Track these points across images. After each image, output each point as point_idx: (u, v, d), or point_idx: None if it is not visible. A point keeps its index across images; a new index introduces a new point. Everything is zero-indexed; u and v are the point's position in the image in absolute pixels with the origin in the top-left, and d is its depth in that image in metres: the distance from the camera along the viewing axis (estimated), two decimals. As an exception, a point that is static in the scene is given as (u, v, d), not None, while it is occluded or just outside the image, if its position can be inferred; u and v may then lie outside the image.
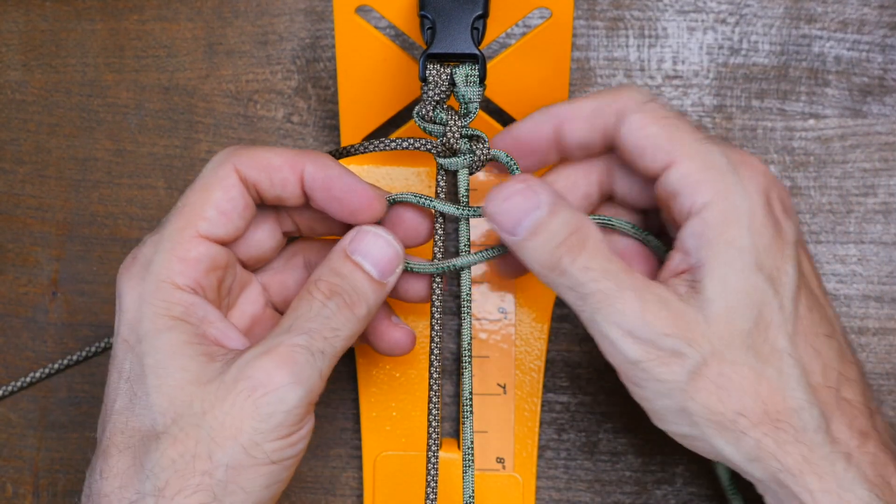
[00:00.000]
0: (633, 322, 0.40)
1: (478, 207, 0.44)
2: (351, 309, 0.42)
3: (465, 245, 0.45)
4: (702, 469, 0.52)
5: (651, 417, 0.42)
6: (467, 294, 0.45)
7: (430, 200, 0.44)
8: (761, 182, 0.41)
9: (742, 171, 0.41)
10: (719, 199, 0.40)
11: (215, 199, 0.42)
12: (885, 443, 0.41)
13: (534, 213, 0.41)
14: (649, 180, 0.44)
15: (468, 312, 0.45)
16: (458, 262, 0.44)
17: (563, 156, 0.45)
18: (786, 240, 0.42)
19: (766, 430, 0.39)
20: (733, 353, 0.40)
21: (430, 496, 0.44)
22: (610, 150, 0.44)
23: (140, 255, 0.42)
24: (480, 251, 0.45)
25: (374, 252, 0.43)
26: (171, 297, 0.41)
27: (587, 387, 0.53)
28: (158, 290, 0.41)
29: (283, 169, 0.43)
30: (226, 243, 0.43)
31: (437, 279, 0.45)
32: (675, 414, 0.40)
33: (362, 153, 0.45)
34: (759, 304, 0.40)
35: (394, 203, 0.45)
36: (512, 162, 0.44)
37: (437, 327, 0.45)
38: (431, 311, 0.45)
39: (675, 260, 0.42)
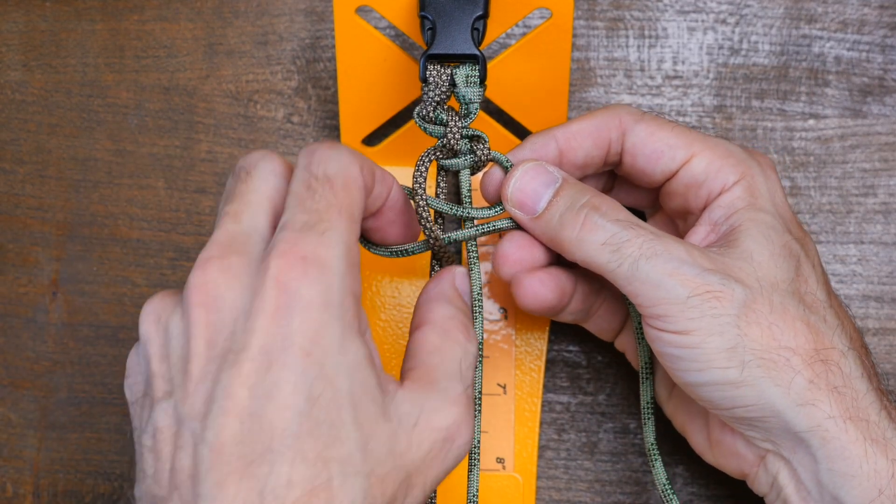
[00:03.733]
0: (680, 258, 0.40)
1: (475, 208, 0.44)
2: (477, 347, 0.42)
3: (472, 244, 0.45)
4: (702, 469, 0.52)
5: (689, 377, 0.41)
6: (478, 294, 0.45)
7: (437, 202, 0.44)
8: (775, 169, 0.45)
9: (758, 159, 0.44)
10: (745, 179, 0.43)
11: (360, 202, 0.39)
12: None
13: (552, 184, 0.43)
14: (659, 184, 0.45)
15: (479, 313, 0.45)
16: (456, 235, 0.44)
17: None
18: (800, 223, 0.45)
19: (817, 371, 0.40)
20: (780, 296, 0.41)
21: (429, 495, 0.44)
22: (608, 166, 0.46)
23: (309, 255, 0.36)
24: (479, 225, 0.44)
25: (466, 290, 0.44)
26: (354, 309, 0.37)
27: (587, 387, 0.53)
28: (345, 300, 0.36)
29: (384, 180, 0.41)
30: None
31: (436, 267, 0.45)
32: (725, 356, 0.40)
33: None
34: (796, 257, 0.42)
35: None
36: (509, 164, 0.44)
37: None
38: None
39: (701, 233, 0.43)
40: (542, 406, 0.52)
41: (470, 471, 0.45)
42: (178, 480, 0.36)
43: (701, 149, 0.44)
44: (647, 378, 0.46)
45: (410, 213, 0.43)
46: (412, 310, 0.51)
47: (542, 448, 0.53)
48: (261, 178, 0.40)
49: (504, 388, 0.51)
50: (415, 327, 0.42)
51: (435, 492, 0.44)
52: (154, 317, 0.38)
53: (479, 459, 0.45)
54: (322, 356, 0.35)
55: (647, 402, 0.46)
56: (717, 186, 0.43)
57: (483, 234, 0.44)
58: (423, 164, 0.43)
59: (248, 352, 0.35)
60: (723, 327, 0.40)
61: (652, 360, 0.46)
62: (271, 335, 0.35)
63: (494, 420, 0.51)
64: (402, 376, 0.40)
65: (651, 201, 0.48)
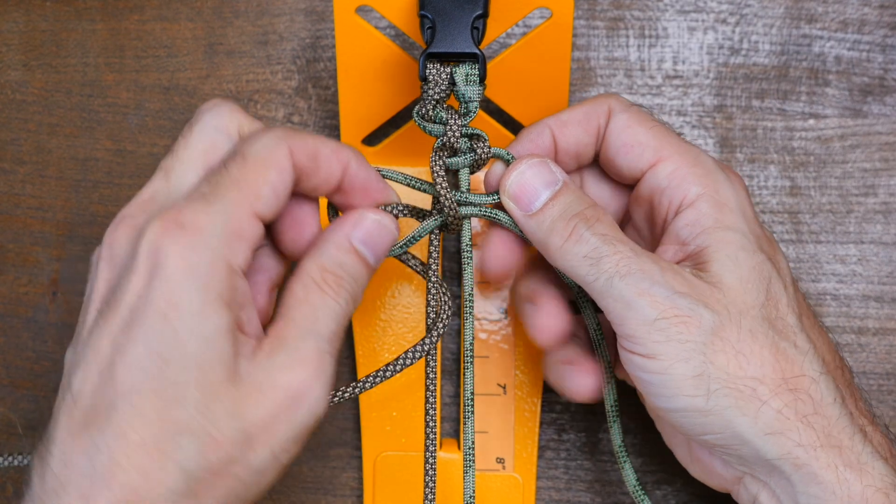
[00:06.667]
0: (653, 279, 0.40)
1: (473, 194, 0.44)
2: (355, 302, 0.41)
3: (466, 245, 0.45)
4: (702, 469, 0.52)
5: (658, 402, 0.41)
6: (470, 294, 0.45)
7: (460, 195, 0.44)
8: (744, 185, 0.44)
9: (727, 172, 0.44)
10: (710, 191, 0.42)
11: (271, 180, 0.39)
12: (884, 429, 0.42)
13: (552, 186, 0.43)
14: (628, 181, 0.45)
15: (470, 312, 0.45)
16: (461, 210, 0.44)
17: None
18: (770, 237, 0.44)
19: (785, 401, 0.39)
20: (750, 322, 0.40)
21: (429, 496, 0.44)
22: (596, 157, 0.46)
23: (190, 223, 0.37)
24: (484, 206, 0.44)
25: (378, 242, 0.42)
26: (223, 277, 0.37)
27: (587, 387, 0.53)
28: (214, 268, 0.37)
29: (332, 160, 0.42)
30: (266, 223, 0.41)
31: (434, 266, 0.45)
32: (692, 383, 0.39)
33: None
34: (766, 280, 0.41)
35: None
36: (511, 158, 0.44)
37: (431, 321, 0.45)
38: (427, 310, 0.45)
39: (669, 252, 0.43)
40: (542, 406, 0.52)
41: (465, 472, 0.45)
42: (49, 426, 0.38)
43: (669, 154, 0.43)
44: (609, 380, 0.46)
45: (376, 189, 0.43)
46: (412, 311, 0.51)
47: (542, 448, 0.52)
48: (200, 134, 0.41)
49: (504, 388, 0.51)
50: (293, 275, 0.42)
51: (434, 492, 0.44)
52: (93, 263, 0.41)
53: (473, 461, 0.45)
54: (178, 320, 0.37)
55: (612, 405, 0.46)
56: (679, 196, 0.43)
57: (483, 216, 0.44)
58: (436, 163, 0.44)
59: (118, 308, 0.37)
60: (689, 353, 0.39)
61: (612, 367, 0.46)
62: (138, 295, 0.37)
63: (494, 420, 0.51)
64: (266, 330, 0.40)
65: (615, 211, 0.47)
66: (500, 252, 0.45)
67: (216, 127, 0.41)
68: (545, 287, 0.46)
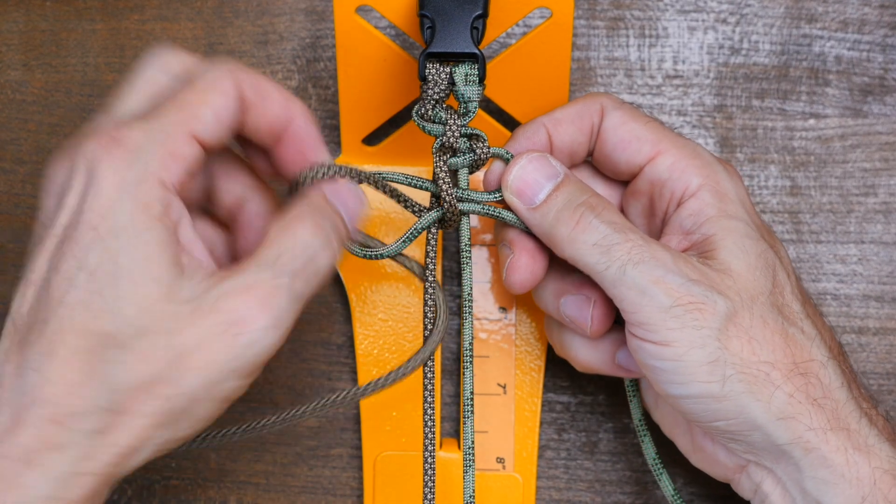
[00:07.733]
0: (666, 267, 0.40)
1: (474, 192, 0.44)
2: (333, 250, 0.40)
3: (465, 244, 0.45)
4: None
5: (671, 390, 0.41)
6: (469, 294, 0.45)
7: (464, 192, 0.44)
8: (741, 177, 0.45)
9: (723, 164, 0.44)
10: (711, 182, 0.43)
11: (213, 103, 0.39)
12: (885, 414, 0.43)
13: (554, 178, 0.43)
14: (625, 177, 0.46)
15: (470, 312, 0.45)
16: (462, 206, 0.44)
17: None
18: (769, 228, 0.45)
19: (797, 385, 0.40)
20: (761, 308, 0.40)
21: (428, 496, 0.44)
22: (589, 154, 0.46)
23: (125, 139, 0.37)
24: (485, 203, 0.44)
25: (350, 206, 0.42)
26: (156, 193, 0.37)
27: (587, 387, 0.53)
28: (144, 182, 0.37)
29: (279, 102, 0.41)
30: (207, 150, 0.40)
31: (431, 267, 0.45)
32: (707, 369, 0.40)
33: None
34: (772, 268, 0.42)
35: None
36: (510, 157, 0.44)
37: (429, 326, 0.45)
38: (424, 310, 0.45)
39: (673, 242, 0.43)
40: (542, 406, 0.52)
41: (465, 472, 0.45)
42: None
43: (668, 147, 0.44)
44: (634, 396, 0.46)
45: (315, 149, 0.42)
46: (411, 310, 0.51)
47: (542, 448, 0.52)
48: (144, 73, 0.41)
49: (504, 388, 0.51)
50: None
51: (433, 492, 0.44)
52: None
53: (473, 461, 0.45)
54: (107, 232, 0.36)
55: (640, 420, 0.47)
56: (681, 188, 0.43)
57: (485, 213, 0.44)
58: (439, 164, 0.44)
59: (53, 228, 0.37)
60: (704, 340, 0.40)
61: None
62: (72, 211, 0.37)
63: (494, 420, 0.51)
64: None
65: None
66: (523, 261, 0.44)
67: (160, 67, 0.40)
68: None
